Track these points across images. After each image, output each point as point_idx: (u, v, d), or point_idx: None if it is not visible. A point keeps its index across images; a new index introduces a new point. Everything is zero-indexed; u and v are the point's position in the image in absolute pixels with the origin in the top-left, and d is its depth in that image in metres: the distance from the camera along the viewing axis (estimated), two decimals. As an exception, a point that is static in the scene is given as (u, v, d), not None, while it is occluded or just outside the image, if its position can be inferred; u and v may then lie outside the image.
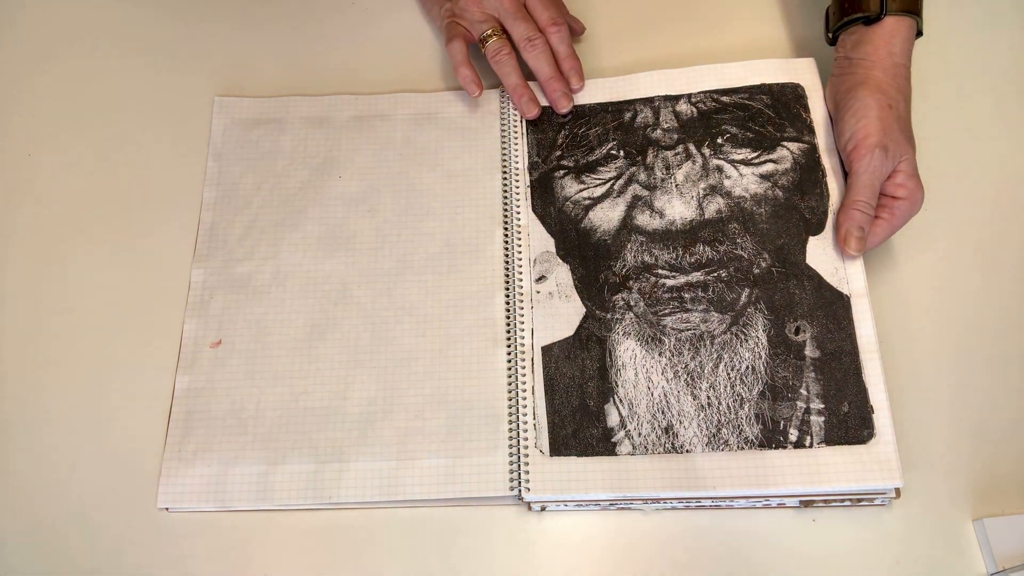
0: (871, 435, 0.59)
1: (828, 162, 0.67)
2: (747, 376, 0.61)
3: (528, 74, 0.73)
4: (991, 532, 0.58)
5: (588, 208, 0.68)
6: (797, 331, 0.62)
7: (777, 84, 0.71)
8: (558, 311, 0.65)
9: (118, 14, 0.80)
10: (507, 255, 0.68)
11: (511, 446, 0.61)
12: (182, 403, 0.64)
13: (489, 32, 0.72)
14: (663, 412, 0.61)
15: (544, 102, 0.72)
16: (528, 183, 0.70)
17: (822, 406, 0.60)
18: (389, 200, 0.70)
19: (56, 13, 0.80)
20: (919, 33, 0.67)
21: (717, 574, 0.59)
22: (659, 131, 0.70)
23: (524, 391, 0.63)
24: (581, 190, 0.69)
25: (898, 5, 0.64)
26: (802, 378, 0.61)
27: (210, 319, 0.66)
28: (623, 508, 0.61)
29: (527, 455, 0.61)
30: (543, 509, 0.61)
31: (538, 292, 0.66)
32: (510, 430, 0.62)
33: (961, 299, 0.66)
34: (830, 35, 0.69)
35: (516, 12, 0.72)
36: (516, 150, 0.71)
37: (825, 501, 0.60)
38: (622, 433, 0.61)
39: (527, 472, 0.60)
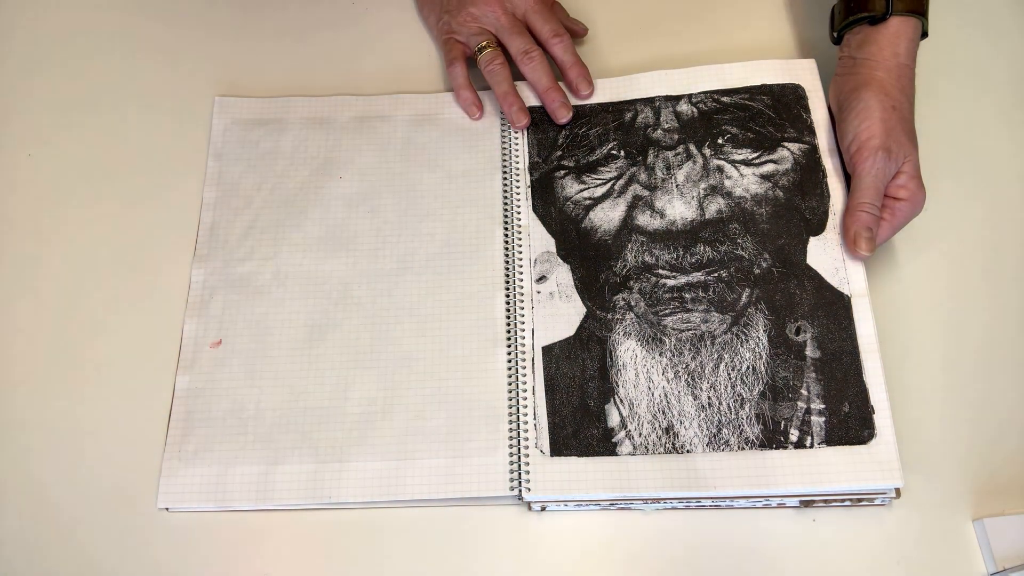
0: (871, 435, 0.59)
1: (829, 163, 0.67)
2: (748, 376, 0.61)
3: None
4: (991, 532, 0.58)
5: (589, 208, 0.68)
6: (798, 331, 0.62)
7: (778, 85, 0.71)
8: (558, 311, 0.65)
9: (118, 14, 0.80)
10: (507, 255, 0.68)
11: (511, 446, 0.61)
12: (182, 403, 0.64)
13: (484, 44, 0.72)
14: (664, 412, 0.61)
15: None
16: (528, 183, 0.70)
17: (823, 406, 0.60)
18: (389, 200, 0.70)
19: (56, 13, 0.80)
20: (924, 34, 0.67)
21: (717, 574, 0.59)
22: (660, 131, 0.70)
23: (524, 391, 0.63)
24: (582, 190, 0.69)
25: (904, 6, 0.64)
26: (803, 378, 0.61)
27: (210, 319, 0.66)
28: (623, 508, 0.61)
29: (527, 455, 0.60)
30: (543, 509, 0.61)
31: (539, 292, 0.66)
32: (510, 430, 0.62)
33: (961, 299, 0.66)
34: (835, 34, 0.69)
35: (512, 27, 0.72)
36: (516, 150, 0.71)
37: (825, 501, 0.60)
38: (623, 433, 0.61)
39: (527, 472, 0.60)
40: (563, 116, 0.71)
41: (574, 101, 0.72)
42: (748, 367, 0.62)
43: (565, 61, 0.72)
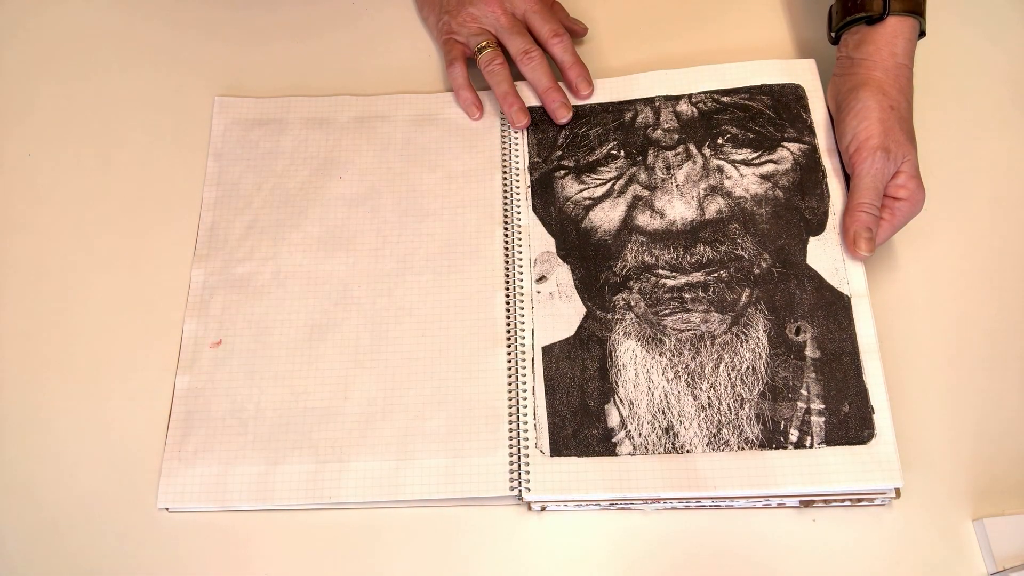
0: (871, 435, 0.59)
1: (829, 163, 0.67)
2: (747, 376, 0.61)
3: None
4: (991, 532, 0.58)
5: (588, 208, 0.68)
6: (798, 331, 0.62)
7: (778, 85, 0.71)
8: (558, 311, 0.65)
9: (119, 14, 0.80)
10: (507, 255, 0.68)
11: (511, 446, 0.61)
12: (182, 403, 0.64)
13: (484, 44, 0.72)
14: (664, 412, 0.61)
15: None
16: (528, 183, 0.70)
17: (822, 406, 0.60)
18: (389, 201, 0.70)
19: (56, 13, 0.80)
20: (922, 33, 0.67)
21: (717, 574, 0.59)
22: (660, 131, 0.70)
23: (524, 391, 0.63)
24: (581, 190, 0.69)
25: (901, 5, 0.64)
26: (802, 378, 0.61)
27: (210, 319, 0.66)
28: (623, 508, 0.61)
29: (527, 455, 0.61)
30: (543, 509, 0.61)
31: (538, 292, 0.66)
32: (510, 430, 0.62)
33: (961, 299, 0.66)
34: (833, 34, 0.69)
35: (512, 27, 0.72)
36: (516, 150, 0.71)
37: (825, 501, 0.60)
38: (622, 433, 0.61)
39: (527, 472, 0.60)
40: (563, 116, 0.71)
41: (574, 101, 0.72)
42: (748, 367, 0.62)
43: (565, 61, 0.72)
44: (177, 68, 0.77)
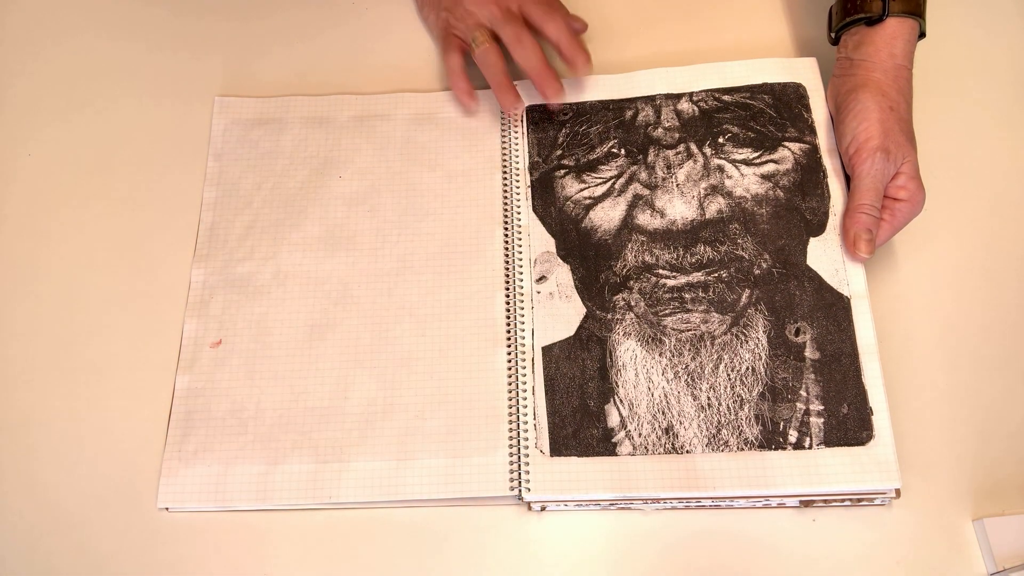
0: (870, 437, 0.59)
1: (829, 163, 0.67)
2: (747, 377, 0.61)
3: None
4: (991, 532, 0.58)
5: (589, 208, 0.68)
6: (797, 332, 0.62)
7: (779, 84, 0.71)
8: (558, 311, 0.65)
9: (119, 13, 0.79)
10: (507, 255, 0.68)
11: (511, 446, 0.61)
12: (182, 403, 0.64)
13: (479, 36, 0.72)
14: (663, 413, 0.61)
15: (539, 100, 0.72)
16: (528, 183, 0.70)
17: (821, 407, 0.60)
18: (389, 200, 0.70)
19: (56, 12, 0.80)
20: (922, 35, 0.66)
21: (717, 574, 0.59)
22: (660, 130, 0.70)
23: (524, 391, 0.63)
24: (582, 189, 0.69)
25: (900, 7, 0.64)
26: (802, 379, 0.61)
27: (210, 319, 0.66)
28: (623, 508, 0.61)
29: (527, 455, 0.61)
30: (543, 509, 0.61)
31: (538, 292, 0.66)
32: (510, 430, 0.62)
33: (961, 299, 0.66)
34: (832, 35, 0.69)
35: (505, 16, 0.71)
36: (516, 150, 0.71)
37: (825, 501, 0.60)
38: (622, 433, 0.61)
39: (527, 472, 0.60)
40: (553, 94, 0.69)
41: (575, 92, 0.72)
42: (747, 368, 0.62)
43: (561, 40, 0.71)
44: (177, 68, 0.77)
